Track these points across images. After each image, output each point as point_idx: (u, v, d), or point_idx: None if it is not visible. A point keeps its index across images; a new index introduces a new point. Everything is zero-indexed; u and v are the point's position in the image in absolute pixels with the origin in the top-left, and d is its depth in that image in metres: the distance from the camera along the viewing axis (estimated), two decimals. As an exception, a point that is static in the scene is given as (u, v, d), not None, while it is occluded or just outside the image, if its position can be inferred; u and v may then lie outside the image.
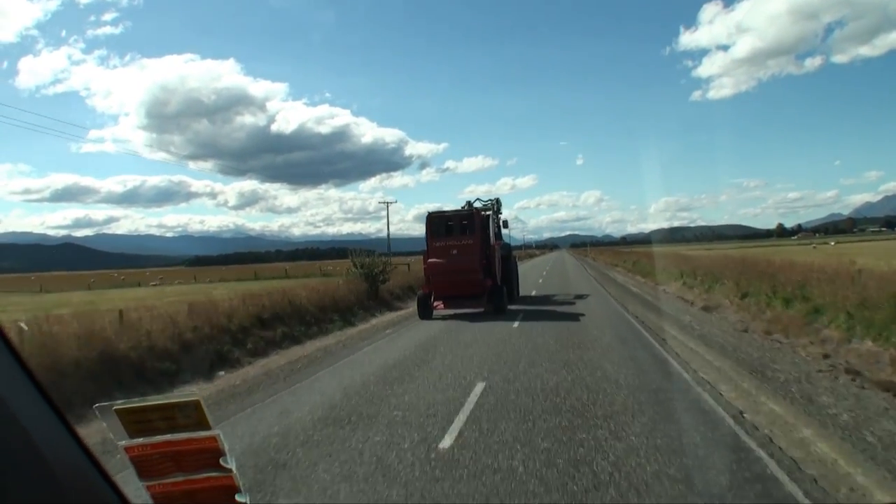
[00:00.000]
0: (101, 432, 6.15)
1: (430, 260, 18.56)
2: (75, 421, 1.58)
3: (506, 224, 24.90)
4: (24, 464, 1.09)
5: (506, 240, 24.93)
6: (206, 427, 1.21)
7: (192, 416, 1.20)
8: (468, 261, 18.14)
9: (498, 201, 23.46)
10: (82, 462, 1.21)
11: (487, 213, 20.84)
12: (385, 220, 56.86)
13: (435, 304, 18.65)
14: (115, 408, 1.23)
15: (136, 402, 1.23)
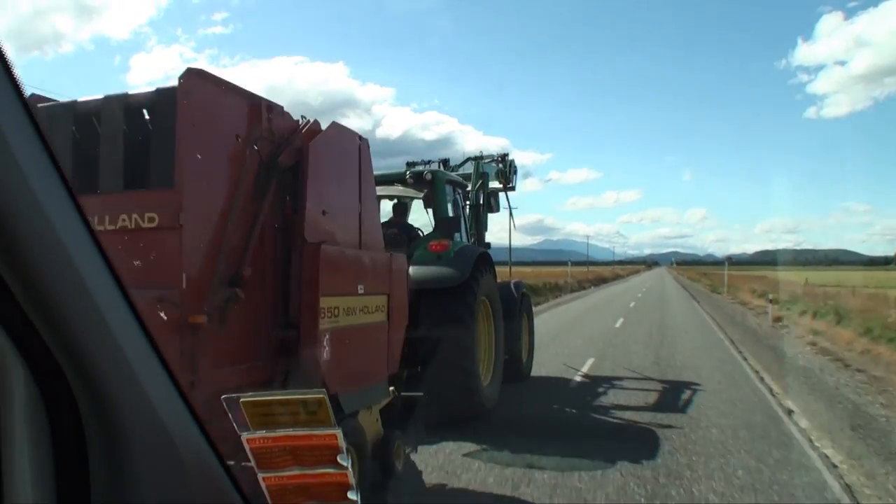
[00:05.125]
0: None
1: None
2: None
3: (495, 205, 11.49)
4: (152, 446, 1.15)
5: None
6: (328, 424, 1.29)
7: (316, 411, 1.28)
8: None
9: (506, 162, 11.99)
10: (204, 449, 1.26)
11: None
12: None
13: None
14: (242, 400, 1.32)
15: (263, 396, 1.32)
